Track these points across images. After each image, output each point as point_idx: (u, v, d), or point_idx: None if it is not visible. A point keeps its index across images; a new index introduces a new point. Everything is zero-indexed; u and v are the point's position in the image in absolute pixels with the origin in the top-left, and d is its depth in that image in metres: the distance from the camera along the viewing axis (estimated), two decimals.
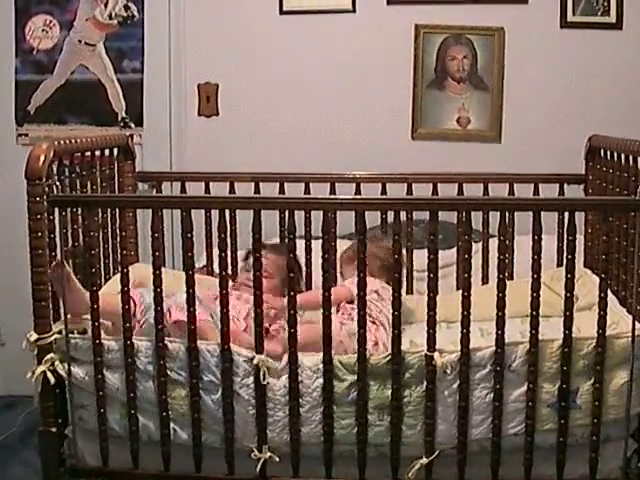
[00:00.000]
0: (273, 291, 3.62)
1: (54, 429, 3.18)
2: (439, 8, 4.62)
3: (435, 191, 4.00)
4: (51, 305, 3.14)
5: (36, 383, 3.11)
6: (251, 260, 3.23)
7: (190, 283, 3.04)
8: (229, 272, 3.96)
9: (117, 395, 3.14)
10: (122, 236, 3.29)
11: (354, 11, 4.68)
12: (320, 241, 3.01)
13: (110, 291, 3.40)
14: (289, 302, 3.03)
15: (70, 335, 3.11)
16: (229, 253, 3.99)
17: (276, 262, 3.64)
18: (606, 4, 4.54)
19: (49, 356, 3.09)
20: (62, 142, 3.22)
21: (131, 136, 4.14)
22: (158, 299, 3.06)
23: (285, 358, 3.04)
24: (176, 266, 4.23)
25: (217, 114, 4.83)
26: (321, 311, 3.02)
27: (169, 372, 3.08)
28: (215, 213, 3.08)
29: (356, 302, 3.07)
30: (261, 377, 3.02)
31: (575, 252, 2.94)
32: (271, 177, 4.07)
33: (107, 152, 3.81)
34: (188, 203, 3.10)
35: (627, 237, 3.24)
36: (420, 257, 3.65)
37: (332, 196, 3.83)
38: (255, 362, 3.01)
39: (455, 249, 4.01)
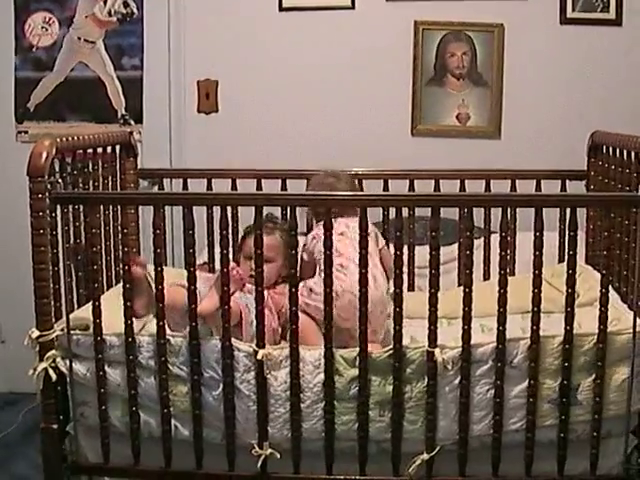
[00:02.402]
0: (279, 272, 3.59)
1: (55, 426, 3.18)
2: (438, 4, 4.62)
3: (437, 187, 4.01)
4: (53, 302, 3.15)
5: (37, 380, 3.11)
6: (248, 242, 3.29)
7: (192, 280, 3.04)
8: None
9: (118, 391, 3.14)
10: (124, 233, 3.30)
11: (353, 8, 4.68)
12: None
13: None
14: (290, 287, 3.04)
15: (72, 332, 3.11)
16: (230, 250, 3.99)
17: (272, 243, 3.49)
18: (605, 0, 4.54)
19: (50, 353, 3.09)
20: (64, 139, 3.23)
21: (131, 133, 4.13)
22: (160, 296, 3.07)
23: (286, 351, 3.06)
24: (177, 263, 4.24)
25: (217, 111, 4.83)
26: None
27: (171, 367, 3.09)
28: (217, 210, 3.08)
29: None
30: (265, 371, 3.03)
31: (576, 248, 2.95)
32: (273, 174, 4.07)
33: (109, 149, 3.82)
34: (190, 200, 3.11)
35: (629, 233, 3.25)
36: (422, 253, 3.65)
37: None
38: (259, 357, 3.02)
39: (456, 245, 4.02)
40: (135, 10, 4.76)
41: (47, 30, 4.82)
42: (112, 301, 3.27)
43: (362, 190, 4.00)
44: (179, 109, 4.81)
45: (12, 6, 4.81)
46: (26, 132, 4.87)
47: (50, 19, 4.81)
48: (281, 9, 4.72)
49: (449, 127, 4.71)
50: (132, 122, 4.82)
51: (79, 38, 4.80)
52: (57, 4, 4.81)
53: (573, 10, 4.56)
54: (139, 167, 4.16)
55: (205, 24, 4.74)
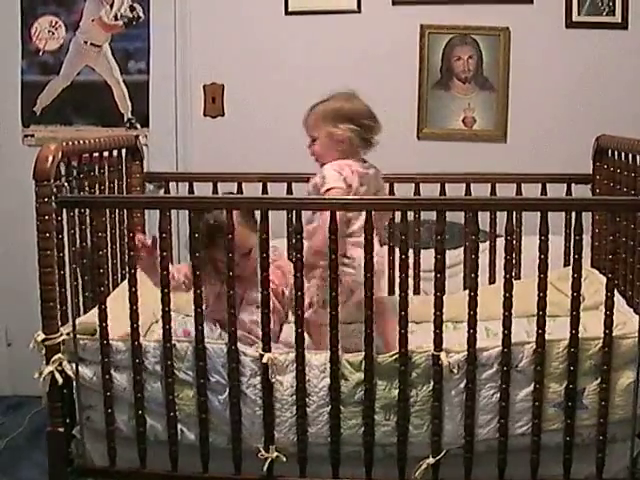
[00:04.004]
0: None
1: (62, 429, 3.19)
2: (444, 8, 4.62)
3: (443, 191, 4.01)
4: (59, 306, 3.15)
5: (44, 383, 3.12)
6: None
7: (197, 284, 3.05)
8: None
9: (125, 396, 3.15)
10: (130, 237, 3.30)
11: (359, 12, 4.68)
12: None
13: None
14: (296, 291, 3.06)
15: (78, 336, 3.11)
16: None
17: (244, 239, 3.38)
18: (611, 4, 4.53)
19: (57, 356, 3.10)
20: (70, 143, 3.23)
21: (137, 137, 4.14)
22: (166, 299, 3.07)
23: (292, 355, 3.07)
24: None
25: (223, 115, 4.83)
26: None
27: (177, 372, 3.09)
28: None
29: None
30: (270, 375, 3.03)
31: (582, 252, 2.95)
32: (278, 177, 4.07)
33: (115, 153, 3.82)
34: (196, 204, 3.11)
35: (634, 237, 3.25)
36: (427, 257, 3.65)
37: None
38: (264, 361, 3.02)
39: (462, 249, 4.02)
40: (141, 14, 4.76)
41: (53, 34, 4.82)
42: (119, 302, 3.27)
43: None
44: (185, 113, 4.81)
45: (19, 10, 4.81)
46: (32, 136, 4.88)
47: (56, 23, 4.82)
48: (287, 13, 4.72)
49: (455, 131, 4.71)
50: (138, 126, 4.82)
51: (85, 42, 4.81)
52: (63, 8, 4.81)
53: (579, 14, 4.56)
54: (145, 171, 4.18)
55: (211, 28, 4.75)
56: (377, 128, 3.58)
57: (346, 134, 3.51)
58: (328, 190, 3.34)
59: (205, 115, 4.83)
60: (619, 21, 4.55)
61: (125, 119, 4.85)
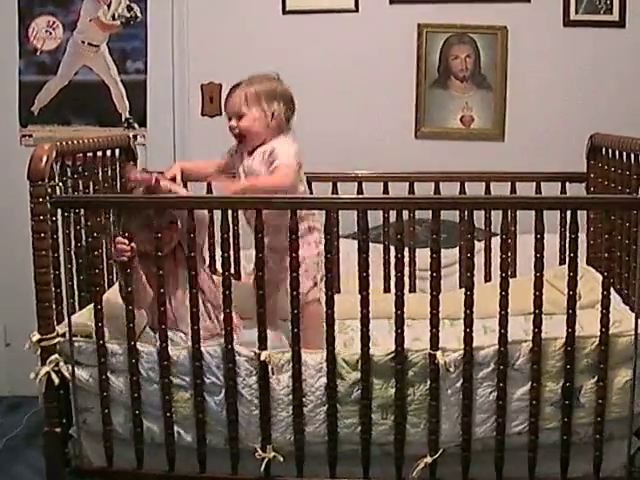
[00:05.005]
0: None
1: (58, 429, 3.19)
2: (442, 7, 4.61)
3: (437, 190, 4.00)
4: (54, 306, 3.15)
5: (40, 384, 3.12)
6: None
7: (193, 283, 3.04)
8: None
9: (121, 398, 3.15)
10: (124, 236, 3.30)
11: (357, 11, 4.67)
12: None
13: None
14: (291, 291, 3.07)
15: (74, 338, 3.11)
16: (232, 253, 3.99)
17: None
18: (609, 2, 4.53)
19: (53, 357, 3.10)
20: (64, 143, 3.23)
21: (135, 136, 4.14)
22: (162, 299, 3.07)
23: (288, 355, 3.07)
24: None
25: (220, 114, 4.79)
26: None
27: (172, 378, 3.09)
28: (217, 213, 3.08)
29: None
30: (270, 372, 3.04)
31: (577, 250, 2.96)
32: None
33: (109, 153, 3.82)
34: (191, 203, 3.11)
35: (629, 235, 3.25)
36: (423, 256, 3.65)
37: (334, 195, 3.83)
38: (263, 358, 3.02)
39: (457, 248, 4.01)
40: (139, 14, 4.75)
41: (51, 34, 4.82)
42: (114, 301, 3.28)
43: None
44: (183, 112, 4.80)
45: (16, 10, 4.81)
46: (30, 136, 4.87)
47: (54, 23, 4.81)
48: (285, 12, 4.71)
49: (453, 130, 4.70)
50: (136, 125, 4.81)
51: (83, 42, 4.80)
52: (61, 8, 4.80)
53: (576, 12, 4.55)
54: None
55: (209, 27, 4.74)
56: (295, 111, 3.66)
57: (280, 111, 3.56)
58: (277, 167, 3.41)
59: (203, 115, 4.83)
60: (616, 19, 4.54)
61: (123, 119, 4.84)
